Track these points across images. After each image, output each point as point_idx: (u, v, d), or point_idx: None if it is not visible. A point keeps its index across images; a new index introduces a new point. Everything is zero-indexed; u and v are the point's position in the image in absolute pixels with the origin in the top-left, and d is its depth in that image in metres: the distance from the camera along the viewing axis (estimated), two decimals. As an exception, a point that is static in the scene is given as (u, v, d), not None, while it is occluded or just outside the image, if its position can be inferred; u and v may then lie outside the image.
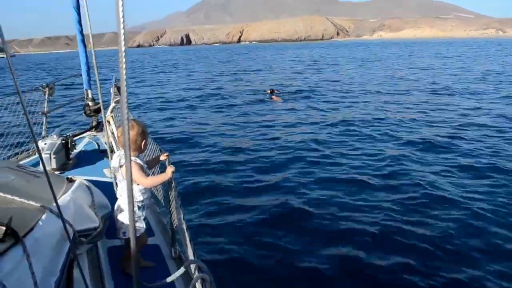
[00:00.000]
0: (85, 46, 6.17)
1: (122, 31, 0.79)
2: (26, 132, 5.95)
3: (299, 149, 10.52)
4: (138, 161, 3.00)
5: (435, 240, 5.60)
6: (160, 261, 3.25)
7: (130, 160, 1.02)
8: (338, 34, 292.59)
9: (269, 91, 20.30)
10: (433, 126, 12.72)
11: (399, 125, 13.04)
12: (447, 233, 5.79)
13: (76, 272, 2.35)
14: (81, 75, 6.51)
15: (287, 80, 28.11)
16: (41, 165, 1.16)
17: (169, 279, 2.49)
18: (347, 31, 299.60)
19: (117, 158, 3.10)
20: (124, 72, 0.87)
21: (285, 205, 7.01)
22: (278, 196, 7.44)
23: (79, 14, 5.68)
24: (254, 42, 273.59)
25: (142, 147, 3.06)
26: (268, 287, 4.89)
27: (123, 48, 0.80)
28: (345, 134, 12.07)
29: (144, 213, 3.12)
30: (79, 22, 5.76)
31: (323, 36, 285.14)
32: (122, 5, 0.77)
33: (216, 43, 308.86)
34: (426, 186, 7.50)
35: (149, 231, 3.59)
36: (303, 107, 17.23)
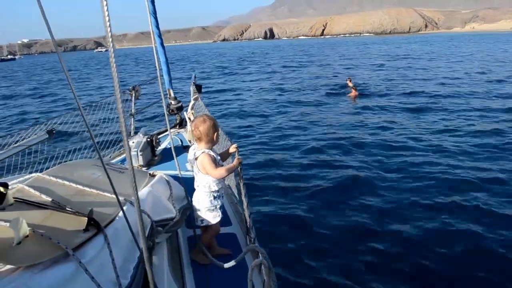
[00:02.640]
0: (164, 48, 6.42)
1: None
2: (118, 132, 6.26)
3: (371, 147, 10.42)
4: (211, 153, 3.17)
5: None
6: (236, 249, 3.37)
7: (130, 149, 1.14)
8: (426, 26, 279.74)
9: (348, 81, 19.84)
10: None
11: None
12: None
13: (155, 259, 2.61)
14: (162, 76, 6.69)
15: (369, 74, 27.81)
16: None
17: (226, 265, 2.73)
18: (436, 23, 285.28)
19: (192, 151, 3.27)
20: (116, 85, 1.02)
21: (349, 203, 7.08)
22: (344, 192, 7.55)
23: (156, 18, 5.96)
24: (341, 36, 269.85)
25: (215, 139, 3.23)
26: (327, 278, 5.05)
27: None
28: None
29: (219, 201, 3.29)
30: (157, 26, 6.04)
31: (409, 29, 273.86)
32: None
33: (299, 36, 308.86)
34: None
35: (226, 220, 3.78)
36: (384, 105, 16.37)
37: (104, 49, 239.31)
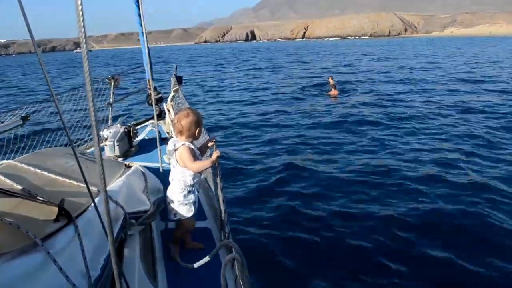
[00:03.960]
0: (146, 38, 6.20)
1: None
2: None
3: (344, 144, 10.43)
4: (191, 146, 3.12)
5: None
6: (210, 244, 3.34)
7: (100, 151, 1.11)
8: (406, 30, 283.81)
9: (329, 80, 19.71)
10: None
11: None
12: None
13: (126, 251, 2.54)
14: (143, 66, 6.53)
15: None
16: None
17: (196, 264, 2.71)
18: (416, 27, 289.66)
19: (172, 143, 3.20)
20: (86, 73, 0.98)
21: (324, 204, 6.92)
22: (317, 191, 7.43)
23: (138, 7, 5.67)
24: (321, 39, 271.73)
25: (197, 134, 3.17)
26: (299, 273, 5.04)
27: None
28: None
29: (193, 197, 3.22)
30: (139, 14, 5.83)
31: (390, 33, 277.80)
32: None
33: (281, 39, 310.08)
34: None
35: (201, 215, 3.79)
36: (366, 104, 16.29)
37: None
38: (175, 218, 3.21)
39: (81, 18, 0.97)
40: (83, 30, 0.95)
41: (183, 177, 3.13)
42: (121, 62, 64.79)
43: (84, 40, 0.99)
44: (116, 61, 72.97)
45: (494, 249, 5.38)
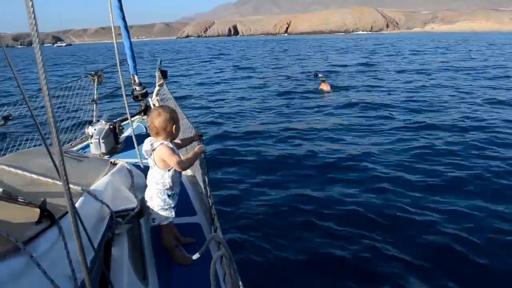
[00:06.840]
0: (128, 32, 6.17)
1: None
2: (79, 119, 6.50)
3: (339, 141, 10.16)
4: (170, 145, 2.97)
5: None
6: (200, 239, 3.29)
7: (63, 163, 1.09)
8: (387, 26, 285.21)
9: (317, 75, 19.71)
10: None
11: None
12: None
13: (114, 251, 2.48)
14: (126, 61, 6.46)
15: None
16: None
17: (194, 256, 2.67)
18: (397, 23, 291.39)
19: (148, 142, 3.05)
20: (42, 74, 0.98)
21: (313, 197, 6.85)
22: (308, 185, 7.35)
23: (120, 0, 5.65)
24: (306, 34, 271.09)
25: (174, 132, 3.03)
26: (290, 271, 4.92)
27: None
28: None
29: (173, 201, 3.10)
30: (121, 8, 5.75)
31: (371, 28, 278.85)
32: None
33: (263, 34, 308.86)
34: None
35: (191, 210, 3.79)
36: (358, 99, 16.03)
37: (65, 44, 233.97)
38: (154, 223, 3.10)
39: (32, 15, 0.96)
40: (34, 25, 0.95)
41: (161, 178, 3.01)
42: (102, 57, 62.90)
43: (35, 32, 0.99)
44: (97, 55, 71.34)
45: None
